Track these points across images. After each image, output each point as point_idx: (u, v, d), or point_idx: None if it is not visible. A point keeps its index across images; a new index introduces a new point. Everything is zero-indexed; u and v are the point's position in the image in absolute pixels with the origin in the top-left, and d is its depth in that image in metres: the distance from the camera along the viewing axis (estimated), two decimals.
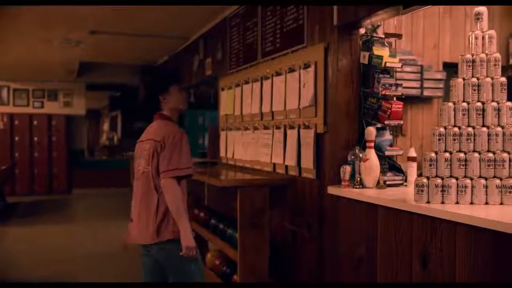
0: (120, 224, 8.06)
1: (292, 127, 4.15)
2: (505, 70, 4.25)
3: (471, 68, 2.82)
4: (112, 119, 16.43)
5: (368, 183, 3.37)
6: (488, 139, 2.70)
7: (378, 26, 3.68)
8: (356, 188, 3.37)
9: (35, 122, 12.09)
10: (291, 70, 4.21)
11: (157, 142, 2.89)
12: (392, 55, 3.59)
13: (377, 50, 3.56)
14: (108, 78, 11.66)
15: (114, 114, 15.93)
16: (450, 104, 2.82)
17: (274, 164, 4.46)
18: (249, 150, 5.03)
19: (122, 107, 14.13)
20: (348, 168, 3.41)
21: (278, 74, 4.46)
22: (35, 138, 12.11)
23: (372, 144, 3.38)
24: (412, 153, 3.48)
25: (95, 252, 6.25)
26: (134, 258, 5.95)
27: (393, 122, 3.47)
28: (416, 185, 2.76)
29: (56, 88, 12.30)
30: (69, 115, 12.48)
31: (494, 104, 2.74)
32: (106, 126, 17.32)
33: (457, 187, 2.68)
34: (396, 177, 3.51)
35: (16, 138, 11.98)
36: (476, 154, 2.70)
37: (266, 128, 4.66)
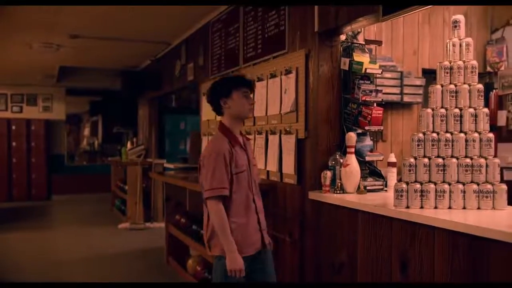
0: (102, 229, 8.00)
1: (273, 133, 4.16)
2: (482, 77, 4.34)
3: (449, 75, 2.87)
4: (93, 124, 16.26)
5: (348, 188, 3.39)
6: (466, 144, 2.75)
7: (359, 32, 3.72)
8: (337, 193, 3.39)
9: (13, 127, 11.89)
10: (273, 75, 4.22)
11: (200, 160, 2.86)
12: (372, 61, 3.62)
13: (358, 57, 3.60)
14: (89, 82, 11.56)
15: (95, 119, 15.77)
16: (429, 110, 2.86)
17: None
18: None
19: (103, 112, 14.00)
20: (329, 174, 3.43)
21: (259, 79, 4.47)
22: (14, 143, 11.90)
23: (353, 150, 3.41)
24: (392, 158, 3.52)
25: (77, 258, 6.16)
26: (116, 264, 5.91)
27: (374, 128, 3.50)
28: (396, 190, 2.78)
29: (35, 93, 12.13)
30: (49, 120, 12.31)
31: (471, 110, 2.79)
32: (86, 131, 17.12)
33: (436, 192, 2.72)
34: (376, 182, 3.54)
35: None
36: (454, 160, 2.74)
37: (247, 133, 4.66)
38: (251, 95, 2.92)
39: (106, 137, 14.06)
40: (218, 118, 3.08)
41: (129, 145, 9.59)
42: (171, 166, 7.74)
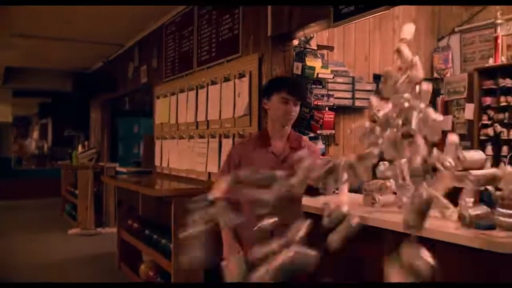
0: (51, 235, 7.73)
1: (227, 136, 4.15)
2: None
3: None
4: (43, 126, 15.76)
5: None
6: None
7: (311, 38, 3.77)
8: None
9: None
10: (226, 79, 4.22)
11: None
12: (324, 66, 3.69)
13: (310, 61, 3.65)
14: (38, 84, 11.17)
15: (44, 122, 15.29)
16: None
17: (210, 173, 4.44)
18: (185, 159, 4.98)
19: (53, 114, 13.61)
20: None
21: (213, 83, 4.46)
22: None
23: None
24: None
25: (23, 265, 5.93)
26: (65, 270, 5.73)
27: (326, 132, 3.56)
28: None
29: None
30: None
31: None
32: (35, 134, 16.58)
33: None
34: None
35: None
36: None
37: (201, 137, 4.64)
38: (293, 103, 2.49)
39: (56, 140, 13.65)
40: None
41: (80, 148, 9.33)
42: (123, 170, 7.59)
